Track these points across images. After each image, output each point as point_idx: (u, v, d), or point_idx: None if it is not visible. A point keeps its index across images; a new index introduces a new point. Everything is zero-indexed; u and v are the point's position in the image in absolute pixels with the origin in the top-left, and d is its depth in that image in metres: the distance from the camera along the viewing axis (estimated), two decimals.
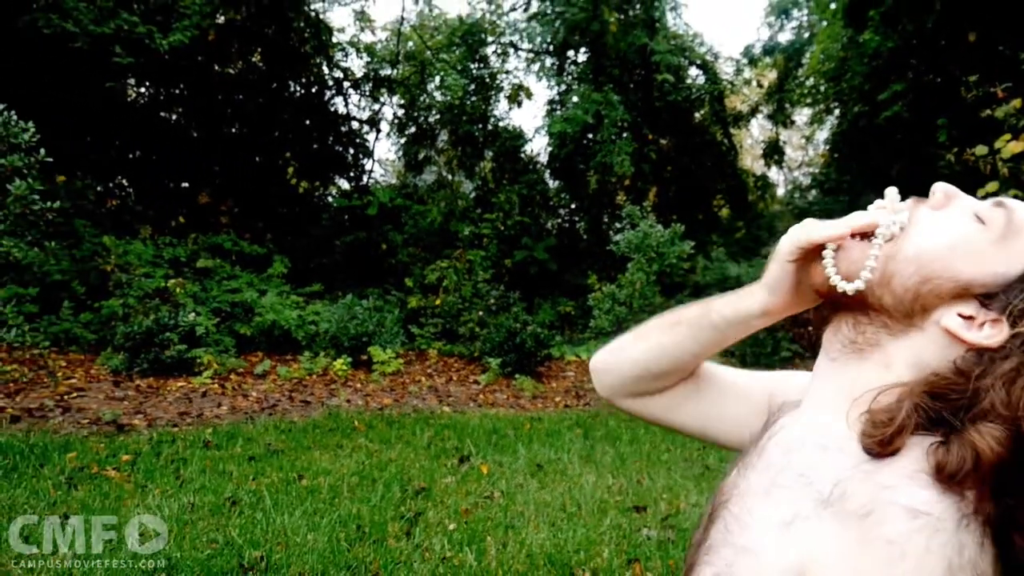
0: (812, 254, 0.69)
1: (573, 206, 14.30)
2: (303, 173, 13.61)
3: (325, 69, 13.37)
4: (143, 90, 12.33)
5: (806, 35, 15.62)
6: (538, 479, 4.39)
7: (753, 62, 16.27)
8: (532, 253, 12.07)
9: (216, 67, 12.48)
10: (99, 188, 10.96)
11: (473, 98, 13.58)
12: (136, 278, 8.28)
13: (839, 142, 13.59)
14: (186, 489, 3.79)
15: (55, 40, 8.74)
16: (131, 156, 12.12)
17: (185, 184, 12.71)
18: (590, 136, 12.29)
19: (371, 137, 14.18)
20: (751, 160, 19.95)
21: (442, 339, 10.05)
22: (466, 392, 7.59)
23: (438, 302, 10.35)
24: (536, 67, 14.54)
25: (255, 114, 12.86)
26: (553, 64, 14.25)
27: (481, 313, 9.80)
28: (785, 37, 16.12)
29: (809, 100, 15.67)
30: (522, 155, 13.89)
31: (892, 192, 0.70)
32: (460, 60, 13.13)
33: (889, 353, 0.66)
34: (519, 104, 14.56)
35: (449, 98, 12.74)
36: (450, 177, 15.07)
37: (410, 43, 13.97)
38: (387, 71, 13.61)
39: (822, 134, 16.58)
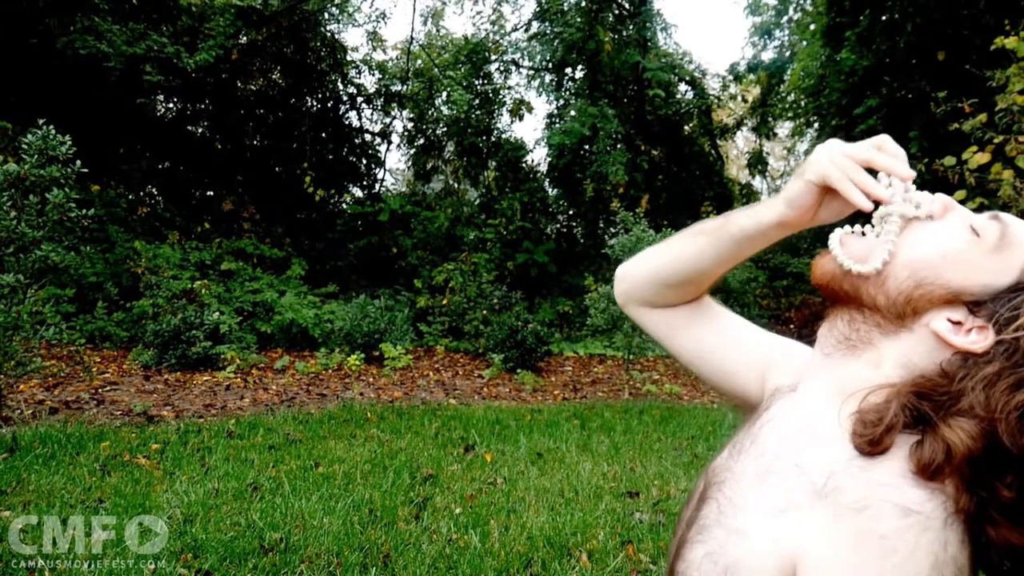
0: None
1: (571, 212, 14.27)
2: (319, 182, 13.61)
3: (340, 85, 13.37)
4: (171, 106, 12.34)
5: (787, 54, 15.60)
6: (538, 467, 4.38)
7: (738, 79, 16.25)
8: (533, 256, 12.06)
9: (239, 84, 12.49)
10: (131, 197, 10.96)
11: (478, 112, 13.58)
12: (165, 280, 8.29)
13: None
14: (211, 476, 3.80)
15: (91, 60, 8.76)
16: (160, 167, 12.14)
17: (210, 193, 12.72)
18: (586, 147, 12.27)
19: (383, 148, 14.18)
20: (736, 170, 19.92)
21: (449, 336, 10.04)
22: (471, 386, 7.58)
23: (445, 302, 10.34)
24: (536, 83, 14.53)
25: (275, 127, 12.88)
26: (552, 80, 14.24)
27: (485, 312, 9.79)
28: (768, 56, 16.11)
29: (790, 114, 15.66)
30: (523, 165, 13.87)
31: (899, 184, 0.67)
32: (465, 77, 13.13)
33: (880, 352, 0.65)
34: (520, 118, 14.56)
35: (455, 112, 12.72)
36: (456, 185, 15.06)
37: (419, 61, 13.97)
38: (397, 87, 13.60)
39: (802, 146, 16.58)
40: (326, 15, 12.19)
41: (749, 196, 16.57)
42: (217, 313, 7.96)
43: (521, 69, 14.63)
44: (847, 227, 0.70)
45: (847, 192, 0.66)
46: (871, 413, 0.60)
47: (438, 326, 10.10)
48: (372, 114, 14.32)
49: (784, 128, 16.94)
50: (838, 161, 0.67)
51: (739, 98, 16.99)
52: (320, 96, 13.24)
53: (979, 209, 0.69)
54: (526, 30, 14.33)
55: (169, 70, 9.45)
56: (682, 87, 14.54)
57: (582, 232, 14.19)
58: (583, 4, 12.83)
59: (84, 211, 4.91)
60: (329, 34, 12.62)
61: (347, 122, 13.84)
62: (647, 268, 0.87)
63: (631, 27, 13.50)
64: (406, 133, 14.50)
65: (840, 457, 0.59)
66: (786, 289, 12.30)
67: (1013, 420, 0.54)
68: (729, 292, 10.94)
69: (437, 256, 11.64)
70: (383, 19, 13.65)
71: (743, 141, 20.25)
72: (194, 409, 5.58)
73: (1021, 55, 4.39)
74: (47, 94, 9.55)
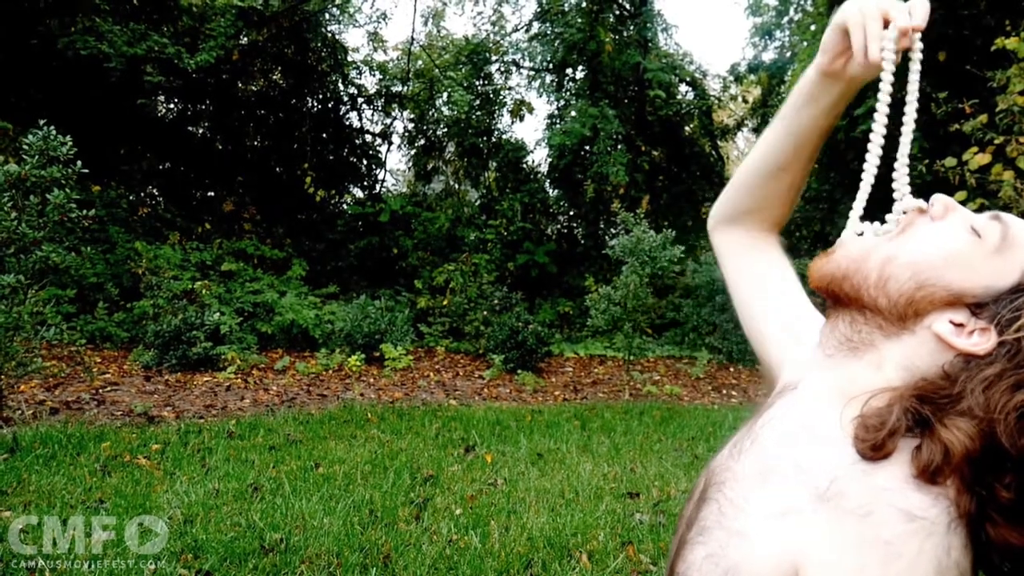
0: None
1: (571, 213, 14.27)
2: (320, 183, 13.61)
3: (340, 86, 13.37)
4: (172, 106, 12.34)
5: (788, 54, 15.58)
6: (538, 467, 4.38)
7: (739, 79, 16.24)
8: (533, 257, 12.06)
9: (240, 84, 12.50)
10: (131, 197, 10.96)
11: (478, 113, 13.58)
12: (165, 280, 8.29)
13: (819, 153, 13.57)
14: (211, 476, 3.80)
15: (91, 61, 8.77)
16: (161, 167, 12.15)
17: (211, 193, 12.72)
18: (587, 148, 12.26)
19: (383, 149, 14.18)
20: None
21: (449, 337, 10.04)
22: (471, 386, 7.58)
23: (445, 302, 10.34)
24: (537, 84, 14.52)
25: (276, 128, 12.88)
26: (553, 81, 14.24)
27: (486, 313, 9.79)
28: (769, 56, 16.10)
29: None
30: (524, 166, 13.87)
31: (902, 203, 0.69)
32: (466, 77, 13.13)
33: (882, 354, 0.64)
34: (521, 118, 14.55)
35: (456, 113, 12.73)
36: (457, 186, 15.06)
37: (419, 62, 13.97)
38: (398, 88, 13.60)
39: None
40: (327, 16, 12.19)
41: None
42: (218, 314, 7.96)
43: (522, 70, 14.64)
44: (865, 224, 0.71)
45: (853, 33, 0.71)
46: (873, 417, 0.59)
47: (439, 327, 10.09)
48: (373, 115, 14.33)
49: None
50: (863, 6, 0.72)
51: (740, 99, 16.99)
52: (321, 97, 13.25)
53: (980, 210, 0.69)
54: (527, 30, 14.34)
55: (170, 71, 9.46)
56: (683, 88, 14.54)
57: (583, 233, 14.19)
58: (584, 5, 12.84)
59: (85, 212, 4.92)
60: (330, 35, 12.63)
61: (348, 123, 13.85)
62: (745, 166, 0.92)
63: (632, 28, 13.50)
64: (407, 134, 14.51)
65: (843, 461, 0.59)
66: None
67: (1012, 421, 0.54)
68: (730, 293, 10.93)
69: (438, 257, 11.64)
70: (384, 20, 13.65)
71: (744, 142, 20.23)
72: (194, 410, 5.58)
73: (1022, 56, 4.39)
74: (48, 95, 9.57)
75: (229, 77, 11.85)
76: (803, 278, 0.86)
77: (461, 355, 9.55)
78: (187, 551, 2.81)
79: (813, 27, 12.82)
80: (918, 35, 0.70)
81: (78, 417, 5.01)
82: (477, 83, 13.66)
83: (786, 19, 15.80)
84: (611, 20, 13.34)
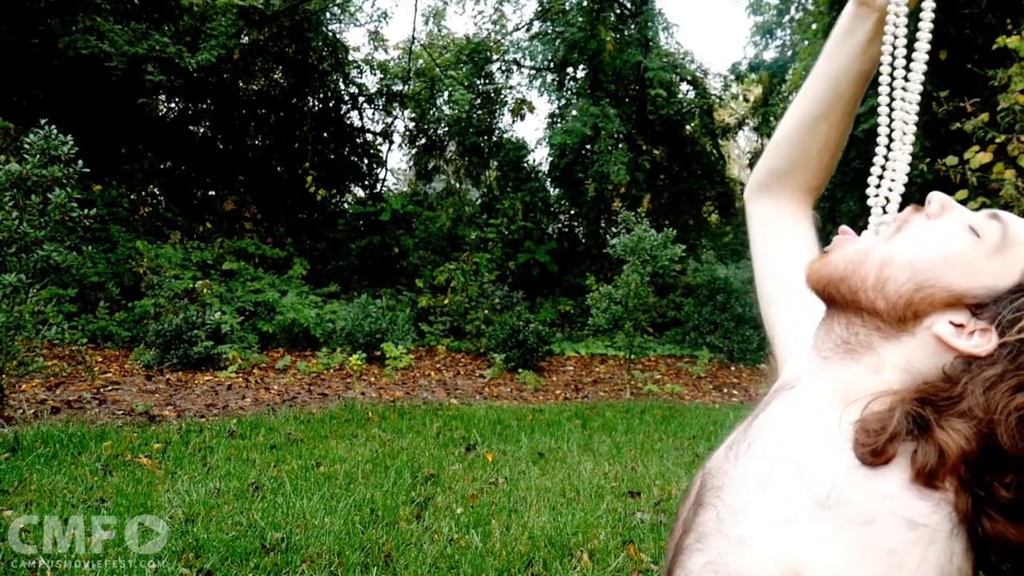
0: None
1: (572, 212, 14.27)
2: (321, 182, 13.62)
3: (341, 85, 13.37)
4: (173, 106, 12.36)
5: (789, 53, 15.56)
6: (539, 466, 4.38)
7: (740, 78, 16.22)
8: (534, 256, 12.06)
9: (240, 84, 12.50)
10: (132, 196, 10.97)
11: (479, 112, 13.58)
12: (167, 280, 8.30)
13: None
14: (212, 475, 3.80)
15: (93, 60, 8.77)
16: (162, 167, 12.15)
17: (212, 192, 12.73)
18: (588, 147, 12.26)
19: (384, 148, 14.19)
20: (738, 169, 19.90)
21: (450, 336, 10.04)
22: (472, 385, 7.58)
23: (446, 301, 10.34)
24: (538, 83, 14.52)
25: (277, 127, 12.89)
26: (554, 80, 14.23)
27: (487, 312, 9.79)
28: (770, 55, 16.08)
29: None
30: (525, 165, 13.87)
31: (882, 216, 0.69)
32: (467, 76, 13.12)
33: (880, 356, 0.63)
34: (522, 117, 14.55)
35: (457, 112, 12.73)
36: (458, 185, 15.06)
37: (420, 61, 13.97)
38: (399, 87, 13.60)
39: None
40: (327, 15, 12.20)
41: None
42: (219, 313, 7.97)
43: (523, 69, 14.63)
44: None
45: None
46: (874, 421, 0.58)
47: (439, 326, 10.10)
48: (374, 114, 14.33)
49: None
50: None
51: (741, 98, 16.97)
52: (322, 96, 13.25)
53: (981, 209, 0.68)
54: (528, 29, 14.34)
55: (171, 70, 9.46)
56: (684, 87, 14.52)
57: (583, 232, 14.18)
58: (585, 4, 12.82)
59: (86, 211, 4.92)
60: (331, 34, 12.63)
61: (349, 122, 13.85)
62: (784, 120, 0.92)
63: (633, 27, 13.49)
64: (407, 133, 14.51)
65: (843, 466, 0.58)
66: None
67: (1013, 422, 0.54)
68: (731, 292, 10.94)
69: (439, 256, 11.65)
70: (384, 19, 13.69)
71: (745, 141, 20.24)
72: (196, 409, 5.59)
73: (1023, 54, 4.38)
74: (49, 94, 9.58)
75: (230, 76, 11.85)
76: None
77: (462, 354, 9.55)
78: (188, 550, 2.81)
79: (814, 26, 12.79)
80: None
81: (79, 416, 5.01)
82: (478, 82, 13.66)
83: (787, 18, 15.78)
84: (612, 19, 13.33)
